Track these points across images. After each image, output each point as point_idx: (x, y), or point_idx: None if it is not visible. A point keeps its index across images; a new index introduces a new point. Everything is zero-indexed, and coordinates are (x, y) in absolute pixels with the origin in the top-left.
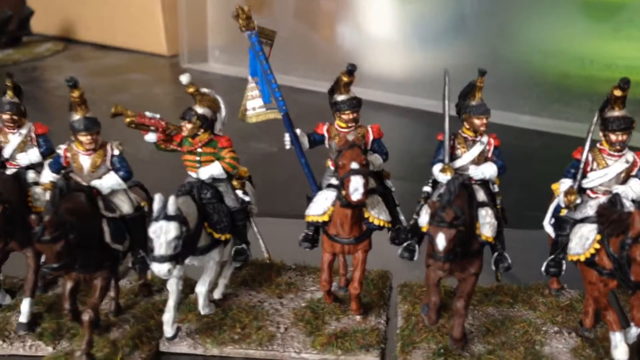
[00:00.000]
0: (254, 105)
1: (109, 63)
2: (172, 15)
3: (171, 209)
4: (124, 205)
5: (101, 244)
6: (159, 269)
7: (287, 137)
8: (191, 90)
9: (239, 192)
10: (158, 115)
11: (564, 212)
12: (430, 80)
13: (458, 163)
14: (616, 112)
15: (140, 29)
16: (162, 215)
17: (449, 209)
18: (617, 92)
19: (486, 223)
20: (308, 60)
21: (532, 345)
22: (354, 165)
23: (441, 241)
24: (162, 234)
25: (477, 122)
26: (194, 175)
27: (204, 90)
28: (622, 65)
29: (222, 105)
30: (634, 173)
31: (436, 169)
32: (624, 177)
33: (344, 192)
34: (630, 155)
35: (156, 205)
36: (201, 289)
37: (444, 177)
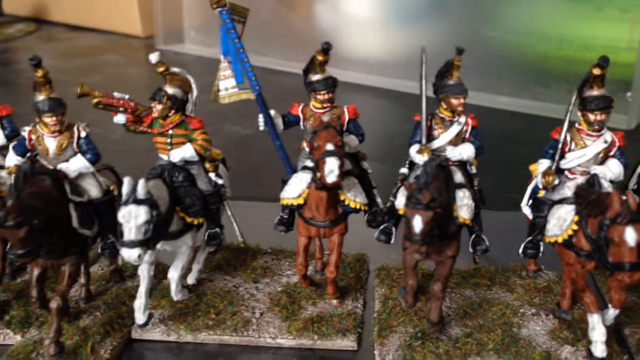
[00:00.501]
0: (227, 86)
1: (82, 44)
2: None
3: (141, 192)
4: (92, 189)
5: (68, 230)
6: (128, 254)
7: (260, 118)
8: (161, 69)
9: (212, 175)
10: (127, 96)
11: (541, 193)
12: (409, 61)
13: (435, 144)
14: (595, 92)
15: (115, 9)
16: (131, 199)
17: (426, 191)
18: (596, 71)
19: (463, 205)
20: (285, 41)
21: (509, 328)
22: (329, 147)
23: (418, 223)
24: (132, 219)
25: (454, 102)
26: (165, 157)
27: (175, 69)
28: (600, 45)
29: (194, 86)
30: (612, 153)
31: (413, 150)
32: (602, 158)
33: (319, 174)
34: (608, 135)
35: (125, 189)
36: (173, 274)
37: (421, 159)
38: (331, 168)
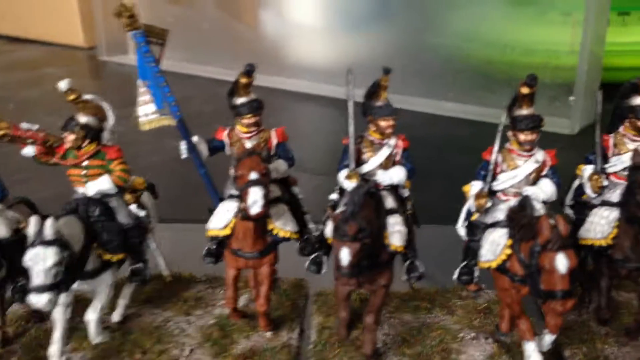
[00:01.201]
0: (146, 111)
1: (22, 57)
2: (89, 4)
3: (48, 232)
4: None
5: None
6: (37, 300)
7: (182, 146)
8: (71, 97)
9: (133, 207)
10: (36, 127)
11: (475, 216)
12: (356, 68)
13: (365, 168)
14: (524, 111)
15: (56, 19)
16: (38, 240)
17: (352, 222)
18: (525, 90)
19: (395, 232)
20: (231, 50)
21: (448, 355)
22: (253, 176)
23: (345, 256)
24: (40, 261)
25: (383, 124)
26: (80, 190)
27: (87, 96)
28: (543, 50)
29: (110, 113)
30: (544, 173)
31: (342, 175)
32: (535, 178)
33: (242, 205)
34: (540, 155)
35: (32, 230)
36: (91, 316)
37: (349, 184)
38: (255, 199)
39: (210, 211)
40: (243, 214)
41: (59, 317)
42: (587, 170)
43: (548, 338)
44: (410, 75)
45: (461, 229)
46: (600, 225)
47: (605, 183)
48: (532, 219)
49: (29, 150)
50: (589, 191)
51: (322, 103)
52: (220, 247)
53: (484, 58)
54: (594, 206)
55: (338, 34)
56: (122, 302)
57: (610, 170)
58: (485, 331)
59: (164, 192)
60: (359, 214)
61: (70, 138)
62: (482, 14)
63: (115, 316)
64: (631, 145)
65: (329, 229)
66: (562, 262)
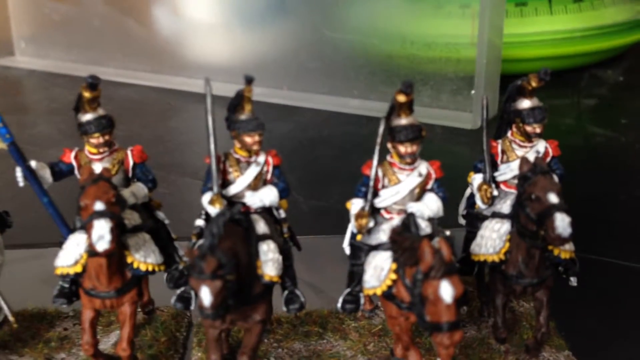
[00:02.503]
0: None
1: None
2: None
3: None
4: None
5: None
6: None
7: (18, 173)
8: None
9: None
10: None
11: (360, 237)
12: (257, 66)
13: (232, 190)
14: (403, 120)
15: None
16: None
17: (210, 257)
18: (401, 98)
19: (268, 260)
20: (124, 49)
21: None
22: (99, 206)
23: (206, 296)
24: None
25: (248, 140)
26: None
27: None
28: (442, 43)
29: None
30: (429, 187)
31: (205, 199)
32: (419, 193)
33: (87, 241)
34: (423, 168)
35: None
36: None
37: (213, 210)
38: (100, 233)
39: (61, 244)
40: (90, 251)
41: None
42: (477, 179)
43: None
44: (312, 72)
45: (347, 248)
46: (492, 239)
47: (495, 193)
48: (414, 242)
49: None
50: (479, 202)
51: (222, 103)
52: (74, 285)
53: (384, 53)
54: (485, 217)
55: (235, 31)
56: None
57: (500, 178)
58: (380, 356)
59: (16, 216)
60: (218, 247)
61: None
62: (380, 7)
63: None
64: (520, 152)
65: None
66: (446, 291)
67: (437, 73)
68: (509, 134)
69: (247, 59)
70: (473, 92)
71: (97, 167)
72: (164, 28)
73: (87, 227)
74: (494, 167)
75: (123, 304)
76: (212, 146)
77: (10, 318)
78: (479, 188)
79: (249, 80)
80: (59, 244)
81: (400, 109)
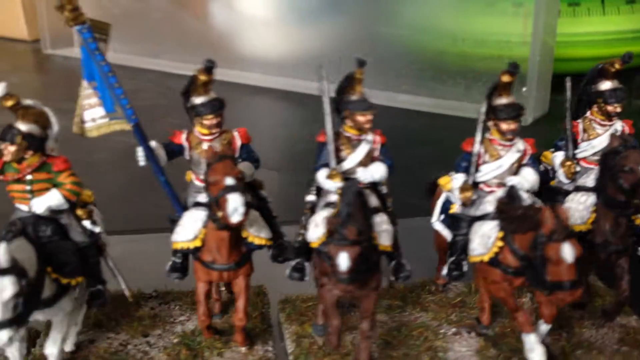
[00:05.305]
0: (93, 116)
1: None
2: None
3: (3, 259)
4: None
5: None
6: None
7: (139, 152)
8: (10, 103)
9: (87, 223)
10: None
11: (454, 208)
12: (308, 60)
13: (344, 166)
14: (504, 100)
15: None
16: None
17: (351, 225)
18: (506, 78)
19: (382, 231)
20: (181, 42)
21: (435, 354)
22: (229, 182)
23: (344, 261)
24: None
25: (361, 119)
26: (25, 208)
27: (28, 102)
28: (494, 41)
29: (53, 119)
30: (525, 162)
31: (321, 175)
32: (516, 167)
33: (220, 214)
34: (521, 144)
35: None
36: (52, 350)
37: (332, 185)
38: (235, 206)
39: (173, 221)
40: (220, 223)
41: (15, 355)
42: (558, 156)
43: (544, 328)
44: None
45: (437, 223)
46: (579, 211)
47: (578, 169)
48: (527, 210)
49: None
50: (562, 177)
51: (274, 96)
52: (186, 260)
53: (436, 49)
54: (567, 192)
55: (289, 26)
56: (73, 329)
57: (580, 155)
58: (465, 325)
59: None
60: (355, 215)
61: (10, 149)
62: (433, 4)
63: (68, 346)
64: (600, 130)
65: (312, 233)
66: (569, 252)
67: (488, 71)
68: (588, 113)
69: (300, 53)
70: (524, 89)
71: (204, 147)
72: (219, 22)
73: (220, 201)
74: (575, 145)
75: (239, 276)
76: (328, 125)
77: (126, 293)
78: (562, 164)
79: (361, 63)
80: (171, 221)
81: (504, 89)
